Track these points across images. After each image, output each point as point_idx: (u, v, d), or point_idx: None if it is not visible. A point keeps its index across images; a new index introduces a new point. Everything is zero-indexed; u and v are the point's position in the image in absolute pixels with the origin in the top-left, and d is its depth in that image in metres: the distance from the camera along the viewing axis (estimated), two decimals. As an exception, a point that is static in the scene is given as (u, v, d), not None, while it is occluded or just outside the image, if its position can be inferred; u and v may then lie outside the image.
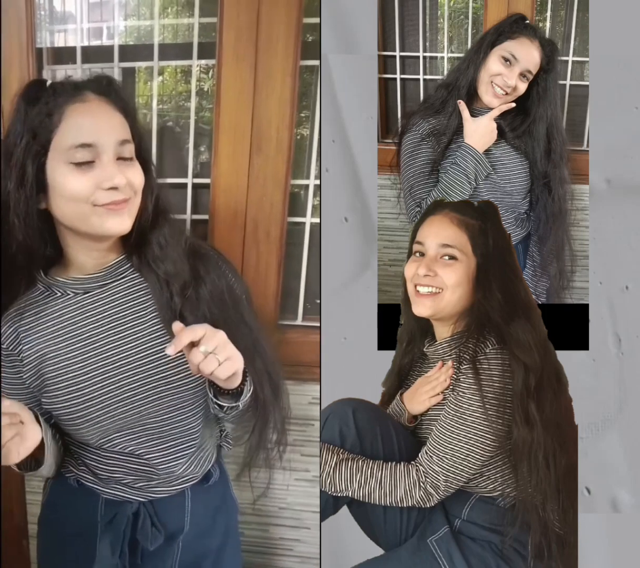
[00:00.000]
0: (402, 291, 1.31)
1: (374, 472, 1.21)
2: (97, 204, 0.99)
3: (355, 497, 1.24)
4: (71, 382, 1.08)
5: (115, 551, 1.11)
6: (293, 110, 1.48)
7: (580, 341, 1.42)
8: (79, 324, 1.09)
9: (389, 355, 1.40)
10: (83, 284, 1.09)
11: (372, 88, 1.51)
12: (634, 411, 1.41)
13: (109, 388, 1.08)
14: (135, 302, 1.11)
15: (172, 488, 1.16)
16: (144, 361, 1.09)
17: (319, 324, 1.52)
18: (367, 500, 1.23)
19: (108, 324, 1.09)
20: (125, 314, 1.10)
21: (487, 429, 1.18)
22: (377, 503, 1.23)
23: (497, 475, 1.24)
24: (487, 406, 1.17)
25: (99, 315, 1.09)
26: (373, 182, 1.51)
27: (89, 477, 1.16)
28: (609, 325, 1.43)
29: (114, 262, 1.10)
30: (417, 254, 1.27)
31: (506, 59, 1.46)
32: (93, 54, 1.68)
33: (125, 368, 1.09)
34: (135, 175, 1.03)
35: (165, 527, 1.15)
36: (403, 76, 1.70)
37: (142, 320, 1.10)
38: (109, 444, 1.11)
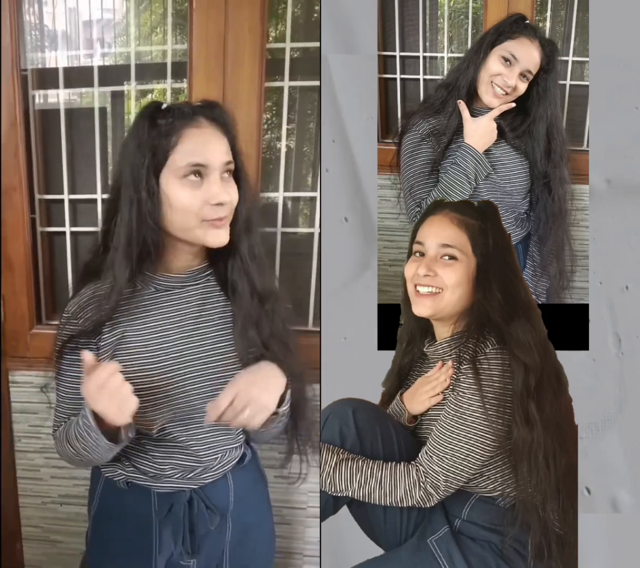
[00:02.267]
0: (402, 291, 1.31)
1: (374, 472, 1.22)
2: (205, 219, 1.11)
3: (355, 497, 1.24)
4: (140, 367, 1.18)
5: (177, 539, 1.21)
6: (259, 128, 1.57)
7: (580, 341, 1.42)
8: (155, 317, 1.20)
9: (389, 355, 1.40)
10: (167, 282, 1.20)
11: (372, 88, 1.51)
12: (634, 411, 1.42)
13: (172, 379, 1.18)
14: (208, 305, 1.22)
15: (216, 473, 1.24)
16: (205, 360, 1.20)
17: (303, 327, 1.59)
18: (367, 500, 1.23)
19: (181, 321, 1.20)
20: (197, 314, 1.21)
21: (487, 429, 1.18)
22: (377, 503, 1.23)
23: (497, 475, 1.24)
24: (487, 406, 1.17)
25: (174, 312, 1.20)
26: (373, 182, 1.52)
27: (140, 476, 1.23)
28: (609, 325, 1.43)
29: (199, 267, 1.22)
30: (417, 254, 1.27)
31: (506, 59, 1.46)
32: (77, 76, 1.73)
33: (189, 363, 1.19)
34: (233, 193, 1.15)
35: (217, 508, 1.24)
36: (403, 76, 1.70)
37: (211, 322, 1.22)
38: (163, 433, 1.20)
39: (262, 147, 1.62)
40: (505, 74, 1.46)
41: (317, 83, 1.54)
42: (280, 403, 1.14)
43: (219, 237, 1.14)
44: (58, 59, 1.73)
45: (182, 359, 1.19)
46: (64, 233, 1.79)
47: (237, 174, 1.17)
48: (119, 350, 1.19)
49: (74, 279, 1.29)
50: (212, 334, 1.21)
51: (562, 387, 1.25)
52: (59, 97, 1.73)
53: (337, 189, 1.51)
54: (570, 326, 1.44)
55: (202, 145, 1.12)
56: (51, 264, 1.85)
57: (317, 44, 1.52)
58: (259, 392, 1.10)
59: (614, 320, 1.42)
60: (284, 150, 1.66)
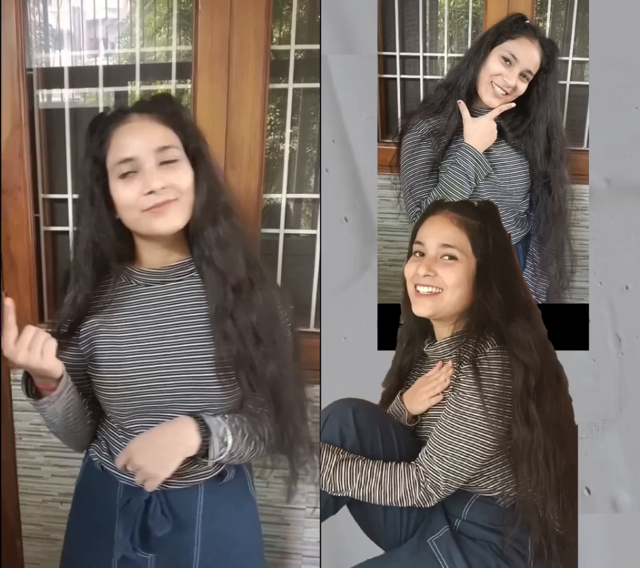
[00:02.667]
0: (402, 291, 1.31)
1: (374, 472, 1.22)
2: (143, 209, 1.11)
3: (355, 497, 1.24)
4: (114, 357, 1.19)
5: (127, 533, 1.17)
6: (263, 130, 1.56)
7: (580, 341, 1.42)
8: (132, 311, 1.21)
9: (389, 355, 1.40)
10: (146, 277, 1.21)
11: (372, 88, 1.51)
12: (634, 411, 1.42)
13: (144, 372, 1.17)
14: (187, 302, 1.20)
15: (183, 481, 1.19)
16: (180, 357, 1.17)
17: (305, 329, 1.58)
18: (367, 500, 1.23)
19: (157, 316, 1.20)
20: (175, 311, 1.20)
21: (487, 429, 1.18)
22: (377, 503, 1.23)
23: (497, 475, 1.24)
24: (487, 406, 1.17)
25: (152, 306, 1.20)
26: (373, 182, 1.52)
27: (111, 462, 1.22)
28: (609, 325, 1.43)
29: (179, 263, 1.21)
30: (417, 254, 1.27)
31: (506, 59, 1.46)
32: (81, 76, 1.73)
33: (163, 359, 1.17)
34: (179, 177, 1.13)
35: (177, 517, 1.20)
36: (403, 76, 1.71)
37: (189, 320, 1.19)
38: (137, 425, 1.19)
39: (265, 150, 1.62)
40: (505, 74, 1.46)
41: (314, 85, 1.54)
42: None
43: (168, 223, 1.12)
44: (62, 58, 1.74)
45: (155, 354, 1.17)
46: (67, 232, 1.80)
47: (195, 158, 1.16)
48: (95, 340, 1.20)
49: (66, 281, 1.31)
50: (188, 331, 1.19)
51: (562, 387, 1.25)
52: (64, 96, 1.73)
53: (337, 189, 1.51)
54: (570, 326, 1.44)
55: (129, 138, 1.13)
56: (54, 263, 1.86)
57: (316, 47, 1.53)
58: (145, 462, 1.10)
59: (614, 320, 1.42)
60: (287, 152, 1.65)
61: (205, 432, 1.13)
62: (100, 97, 1.71)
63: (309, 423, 1.25)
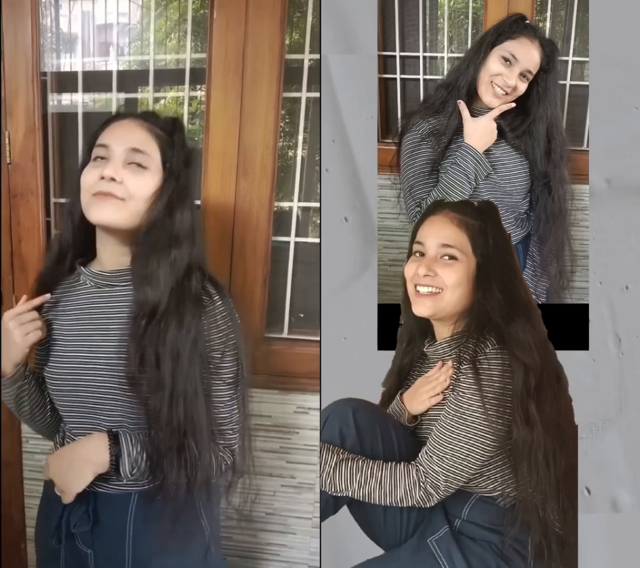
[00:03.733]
0: (402, 291, 1.31)
1: (374, 472, 1.22)
2: (92, 192, 1.13)
3: (355, 497, 1.24)
4: (56, 352, 1.22)
5: (51, 522, 1.21)
6: (276, 138, 1.56)
7: (580, 341, 1.42)
8: (82, 310, 1.22)
9: (389, 355, 1.40)
10: (97, 279, 1.22)
11: (372, 88, 1.51)
12: (634, 411, 1.42)
13: (80, 371, 1.19)
14: (121, 308, 1.19)
15: (110, 486, 1.20)
16: (111, 362, 1.16)
17: (304, 337, 1.60)
18: (367, 500, 1.23)
19: (102, 319, 1.20)
20: (116, 316, 1.19)
21: (487, 429, 1.18)
22: (377, 503, 1.23)
23: (497, 475, 1.24)
24: (487, 406, 1.17)
25: (98, 309, 1.21)
26: (373, 182, 1.52)
27: None
28: (609, 325, 1.43)
29: (127, 267, 1.20)
30: (417, 254, 1.27)
31: (506, 59, 1.46)
32: (93, 81, 1.74)
33: (98, 362, 1.18)
34: (134, 181, 1.14)
35: (103, 520, 1.20)
36: (403, 76, 1.70)
37: (118, 325, 1.18)
38: (70, 424, 1.24)
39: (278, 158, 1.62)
40: (505, 74, 1.46)
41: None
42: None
43: (100, 213, 1.13)
44: (73, 63, 1.74)
45: (92, 356, 1.18)
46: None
47: (167, 178, 1.17)
48: (49, 333, 1.23)
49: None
50: (113, 340, 1.18)
51: (562, 387, 1.25)
52: (78, 100, 1.74)
53: (337, 189, 1.51)
54: (570, 326, 1.44)
55: (112, 131, 1.17)
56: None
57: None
58: (57, 476, 1.15)
59: (614, 320, 1.42)
60: (299, 159, 1.65)
61: (115, 451, 1.14)
62: (114, 102, 1.72)
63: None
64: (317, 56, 1.57)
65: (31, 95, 1.65)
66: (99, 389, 1.17)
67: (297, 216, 1.68)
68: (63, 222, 1.25)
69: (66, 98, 1.77)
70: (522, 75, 1.47)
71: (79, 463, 1.14)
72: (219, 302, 1.18)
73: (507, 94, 1.47)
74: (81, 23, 1.72)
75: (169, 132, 1.19)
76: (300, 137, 1.65)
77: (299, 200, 1.67)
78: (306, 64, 1.60)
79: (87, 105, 1.78)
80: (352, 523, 1.32)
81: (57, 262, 1.26)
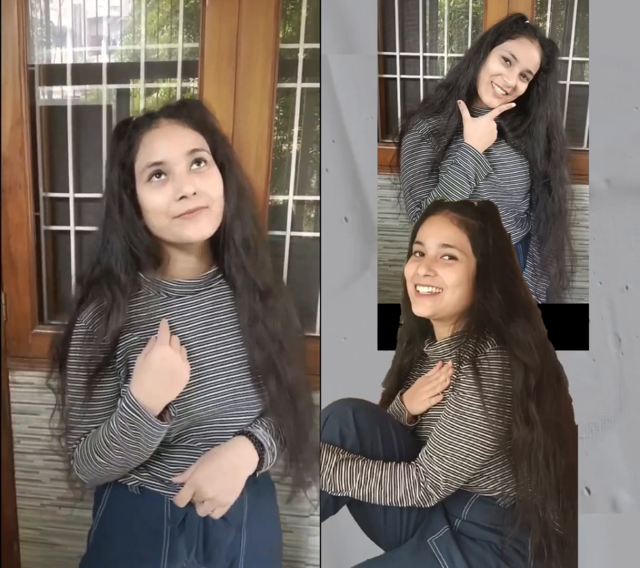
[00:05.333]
0: (402, 291, 1.31)
1: (374, 472, 1.21)
2: (174, 216, 1.09)
3: (355, 497, 1.24)
4: None
5: (191, 549, 1.17)
6: (271, 130, 1.55)
7: (580, 341, 1.42)
8: (170, 324, 1.17)
9: (389, 355, 1.40)
10: (179, 289, 1.19)
11: (372, 88, 1.51)
12: (634, 411, 1.42)
13: (189, 386, 1.15)
14: (221, 309, 1.21)
15: None
16: (220, 365, 1.18)
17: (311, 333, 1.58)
18: (367, 500, 1.23)
19: (194, 327, 1.18)
20: (211, 321, 1.20)
21: (487, 429, 1.18)
22: (377, 503, 1.23)
23: (497, 475, 1.24)
24: (487, 406, 1.17)
25: (187, 318, 1.19)
26: (373, 182, 1.52)
27: (154, 482, 1.20)
28: (609, 325, 1.43)
29: (210, 272, 1.21)
30: (417, 254, 1.27)
31: (506, 59, 1.46)
32: (83, 73, 1.72)
33: (204, 369, 1.17)
34: (210, 184, 1.12)
35: (232, 518, 1.20)
36: (403, 76, 1.70)
37: (225, 326, 1.20)
38: (180, 439, 1.18)
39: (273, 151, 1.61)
40: (505, 74, 1.46)
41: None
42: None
43: (200, 230, 1.11)
44: (63, 55, 1.72)
45: (197, 365, 1.16)
46: (68, 232, 1.78)
47: (223, 164, 1.16)
48: (131, 358, 1.16)
49: (78, 280, 1.27)
50: (225, 338, 1.20)
51: (562, 387, 1.25)
52: (66, 93, 1.72)
53: (337, 189, 1.51)
54: (570, 326, 1.44)
55: (158, 143, 1.11)
56: (55, 263, 1.84)
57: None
58: (216, 492, 1.12)
59: (614, 320, 1.42)
60: (295, 152, 1.64)
61: (260, 448, 1.15)
62: (104, 94, 1.69)
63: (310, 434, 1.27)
64: (311, 46, 1.55)
65: (18, 88, 1.62)
66: (220, 394, 1.17)
67: (292, 210, 1.68)
68: (111, 247, 1.16)
69: (57, 91, 1.75)
70: (522, 75, 1.47)
71: (234, 473, 1.14)
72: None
73: (507, 94, 1.47)
74: (72, 16, 1.70)
75: (201, 118, 1.18)
76: (295, 131, 1.63)
77: (294, 194, 1.66)
78: (301, 56, 1.58)
79: (79, 98, 1.76)
80: (352, 523, 1.32)
81: (121, 292, 1.16)
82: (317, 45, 1.56)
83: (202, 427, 1.18)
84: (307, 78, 1.60)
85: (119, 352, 1.16)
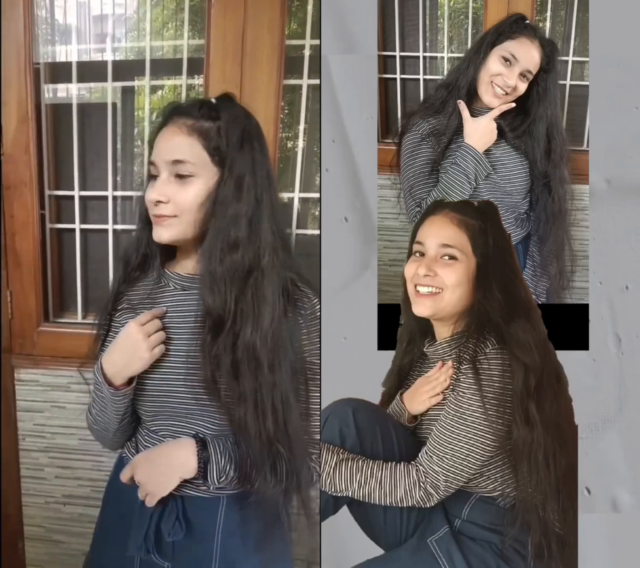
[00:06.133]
0: (402, 291, 1.31)
1: (374, 472, 1.21)
2: (151, 213, 1.14)
3: (356, 497, 1.24)
4: None
5: (140, 533, 1.16)
6: (276, 127, 1.55)
7: (580, 341, 1.42)
8: (168, 312, 1.19)
9: (389, 355, 1.40)
10: (183, 282, 1.20)
11: (372, 88, 1.51)
12: (634, 411, 1.42)
13: (171, 375, 1.16)
14: None
15: (202, 490, 1.17)
16: (194, 365, 1.14)
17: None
18: (367, 500, 1.23)
19: (190, 321, 1.17)
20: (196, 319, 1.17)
21: (487, 429, 1.18)
22: (378, 503, 1.23)
23: (497, 475, 1.24)
24: (487, 406, 1.17)
25: (186, 311, 1.18)
26: (373, 182, 1.52)
27: None
28: (609, 325, 1.43)
29: None
30: (417, 254, 1.27)
31: (506, 59, 1.46)
32: (89, 71, 1.73)
33: (189, 364, 1.15)
34: (181, 195, 1.11)
35: (194, 526, 1.18)
36: (403, 76, 1.71)
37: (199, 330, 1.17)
38: (155, 426, 1.20)
39: (278, 148, 1.61)
40: (505, 74, 1.46)
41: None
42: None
43: (158, 234, 1.14)
44: (68, 53, 1.73)
45: (183, 358, 1.15)
46: (73, 230, 1.80)
47: (223, 170, 1.12)
48: None
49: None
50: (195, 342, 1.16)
51: (562, 387, 1.25)
52: (71, 91, 1.73)
53: (337, 189, 1.51)
54: (570, 326, 1.44)
55: (159, 143, 1.14)
56: (60, 261, 1.85)
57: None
58: (144, 478, 1.12)
59: (614, 320, 1.42)
60: (300, 150, 1.65)
61: (203, 458, 1.11)
62: (109, 92, 1.70)
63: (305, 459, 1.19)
64: (317, 42, 1.55)
65: (24, 86, 1.64)
66: (181, 394, 1.15)
67: (297, 208, 1.68)
68: (140, 228, 1.23)
69: (63, 88, 1.76)
70: (522, 75, 1.47)
71: (166, 468, 1.12)
72: (317, 304, 1.20)
73: (507, 94, 1.48)
74: (77, 14, 1.72)
75: (213, 117, 1.13)
76: (301, 128, 1.64)
77: (300, 192, 1.66)
78: (307, 52, 1.58)
79: (83, 96, 1.77)
80: (352, 523, 1.32)
81: (137, 267, 1.24)
82: (314, 42, 1.57)
83: (180, 419, 1.17)
84: (312, 75, 1.61)
85: (117, 324, 1.22)
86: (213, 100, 1.17)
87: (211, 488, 1.14)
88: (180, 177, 1.11)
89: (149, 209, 1.14)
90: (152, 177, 1.15)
